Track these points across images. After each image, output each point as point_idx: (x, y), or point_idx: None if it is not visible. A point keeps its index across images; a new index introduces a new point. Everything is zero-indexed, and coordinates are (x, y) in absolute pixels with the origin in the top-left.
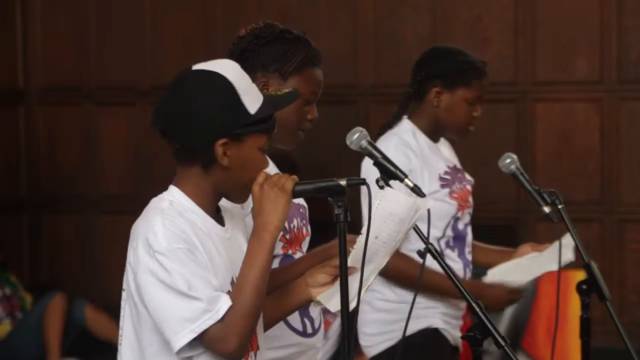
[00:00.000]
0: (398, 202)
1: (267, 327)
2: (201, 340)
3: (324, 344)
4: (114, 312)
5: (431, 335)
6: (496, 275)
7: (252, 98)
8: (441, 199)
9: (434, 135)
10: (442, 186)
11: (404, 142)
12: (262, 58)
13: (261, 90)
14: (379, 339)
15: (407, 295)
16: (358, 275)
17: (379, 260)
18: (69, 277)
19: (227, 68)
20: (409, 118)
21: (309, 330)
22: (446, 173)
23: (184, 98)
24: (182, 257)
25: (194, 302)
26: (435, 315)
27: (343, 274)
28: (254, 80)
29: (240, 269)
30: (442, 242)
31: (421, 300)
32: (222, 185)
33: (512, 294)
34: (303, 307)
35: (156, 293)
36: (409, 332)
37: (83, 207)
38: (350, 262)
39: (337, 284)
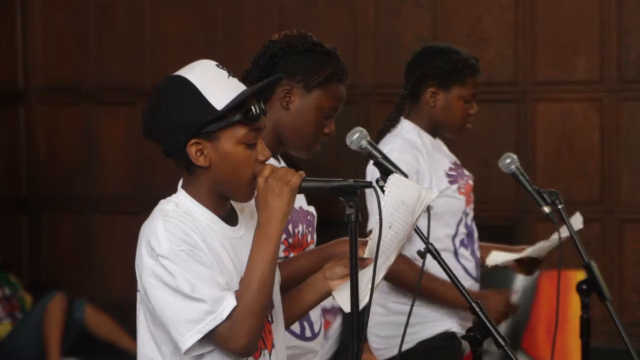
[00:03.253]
0: (406, 188)
1: (288, 324)
2: (211, 339)
3: (324, 343)
4: (114, 312)
5: (449, 339)
6: (497, 257)
7: (220, 94)
8: (451, 196)
9: (433, 134)
10: (450, 182)
11: (409, 142)
12: (290, 66)
13: (283, 97)
14: (393, 342)
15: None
16: (371, 269)
17: (390, 253)
18: (69, 277)
19: (194, 69)
20: (407, 119)
21: (308, 333)
22: (451, 169)
23: (154, 107)
24: (185, 258)
25: (198, 304)
26: (453, 319)
27: (354, 273)
28: (278, 86)
29: (246, 265)
30: (457, 241)
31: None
32: (213, 186)
33: (508, 307)
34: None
35: (161, 295)
36: (426, 335)
37: (83, 207)
38: (367, 253)
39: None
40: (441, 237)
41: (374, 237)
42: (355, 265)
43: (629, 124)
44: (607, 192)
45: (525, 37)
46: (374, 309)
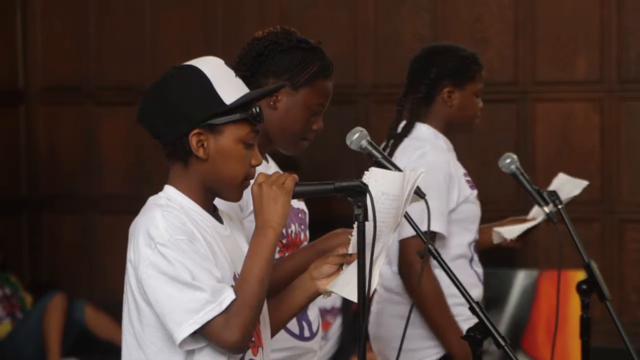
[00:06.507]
0: (386, 179)
1: (276, 329)
2: (204, 333)
3: (324, 344)
4: (114, 312)
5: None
6: (503, 232)
7: (230, 89)
8: (473, 202)
9: (446, 136)
10: (471, 187)
11: (437, 146)
12: (276, 65)
13: (270, 97)
14: (417, 355)
15: (451, 309)
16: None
17: (383, 239)
18: (69, 277)
19: (206, 62)
20: (421, 122)
21: (307, 333)
22: (465, 174)
23: (159, 92)
24: (185, 248)
25: (198, 293)
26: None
27: (361, 272)
28: (264, 85)
29: (243, 263)
30: (472, 247)
31: (462, 312)
32: (205, 180)
33: None
34: (308, 306)
35: (159, 285)
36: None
37: (83, 207)
38: (351, 249)
39: (347, 270)
40: (465, 243)
41: (355, 234)
42: (362, 265)
43: (629, 124)
44: (607, 192)
45: (525, 37)
46: (392, 321)
